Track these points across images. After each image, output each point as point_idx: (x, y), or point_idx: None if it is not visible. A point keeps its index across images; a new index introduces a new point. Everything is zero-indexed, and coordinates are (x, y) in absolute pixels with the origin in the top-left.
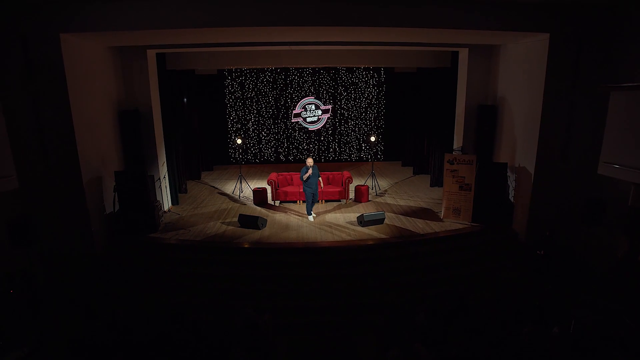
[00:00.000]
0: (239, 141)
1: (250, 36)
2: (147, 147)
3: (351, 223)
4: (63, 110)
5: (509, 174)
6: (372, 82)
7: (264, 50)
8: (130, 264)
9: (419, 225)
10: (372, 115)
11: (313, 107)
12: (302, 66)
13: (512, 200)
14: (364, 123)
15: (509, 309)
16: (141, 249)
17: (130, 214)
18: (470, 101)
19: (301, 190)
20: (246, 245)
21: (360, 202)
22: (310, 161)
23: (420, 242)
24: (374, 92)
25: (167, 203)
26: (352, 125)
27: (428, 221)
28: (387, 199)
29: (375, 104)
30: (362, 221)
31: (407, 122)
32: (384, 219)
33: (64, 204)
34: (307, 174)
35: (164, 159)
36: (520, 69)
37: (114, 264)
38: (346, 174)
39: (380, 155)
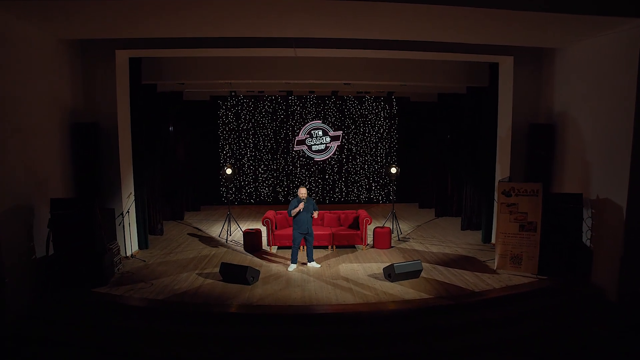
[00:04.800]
0: (229, 171)
1: (239, 16)
2: (109, 172)
3: (375, 276)
4: None
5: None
6: (384, 114)
7: (262, 57)
8: (55, 336)
9: (468, 280)
10: (383, 151)
11: (320, 132)
12: (305, 81)
13: (587, 243)
14: (374, 160)
15: None
16: (76, 310)
17: (68, 259)
18: (517, 121)
19: None
20: (228, 310)
21: (381, 248)
22: (303, 192)
23: (478, 305)
24: (386, 125)
25: (131, 246)
26: (361, 162)
27: (478, 273)
28: (414, 245)
29: (387, 138)
30: (391, 274)
31: (426, 158)
32: (421, 270)
33: None
34: (297, 209)
35: (132, 189)
36: (589, 76)
37: (34, 335)
38: (362, 213)
39: (393, 196)
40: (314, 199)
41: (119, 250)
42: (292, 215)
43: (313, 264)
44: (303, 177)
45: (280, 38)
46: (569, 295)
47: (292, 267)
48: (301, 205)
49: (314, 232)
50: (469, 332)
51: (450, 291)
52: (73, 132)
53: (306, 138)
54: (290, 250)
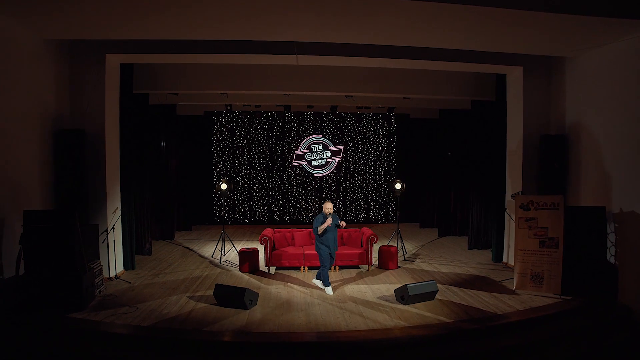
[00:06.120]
0: (224, 186)
1: (238, 16)
2: (94, 184)
3: (385, 299)
4: None
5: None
6: (382, 131)
7: (260, 67)
8: None
9: (487, 301)
10: (382, 169)
11: (320, 147)
12: (304, 92)
13: (611, 260)
14: (372, 178)
15: None
16: (48, 338)
17: (42, 279)
18: (527, 133)
19: (307, 251)
20: (224, 338)
21: (388, 269)
22: (329, 206)
23: (503, 329)
24: (384, 143)
25: (115, 266)
26: (359, 180)
27: (495, 294)
28: (422, 265)
29: (386, 156)
30: (404, 296)
31: (426, 177)
32: (437, 291)
33: None
34: (325, 225)
35: (118, 204)
36: (603, 84)
37: None
38: (367, 231)
39: (391, 216)
40: (313, 217)
41: (101, 270)
42: (319, 233)
43: (318, 282)
44: (300, 196)
45: (280, 44)
46: (596, 317)
47: (329, 290)
48: (329, 221)
49: (313, 252)
50: (497, 359)
51: (470, 314)
52: (56, 139)
53: (306, 153)
54: (294, 271)
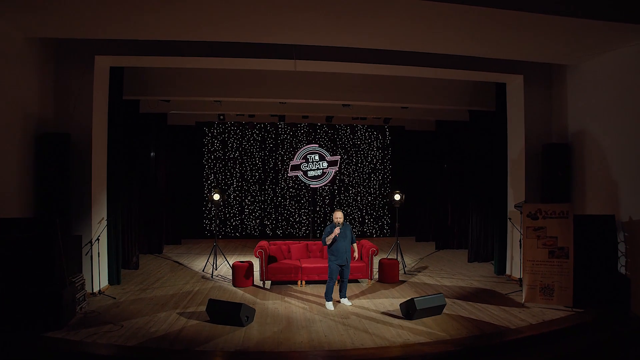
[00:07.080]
0: (217, 197)
1: (237, 16)
2: (78, 191)
3: (390, 314)
4: None
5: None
6: (377, 144)
7: (255, 73)
8: None
9: (498, 315)
10: (376, 182)
11: (317, 157)
12: (301, 100)
13: (621, 271)
14: (367, 191)
15: None
16: None
17: (16, 294)
18: (529, 143)
19: (304, 264)
20: (218, 359)
21: (389, 282)
22: (339, 215)
23: (520, 344)
24: (379, 156)
25: (99, 280)
26: (354, 193)
27: (505, 307)
28: (423, 278)
29: (381, 169)
30: (411, 310)
31: (422, 190)
32: (444, 305)
33: None
34: (333, 235)
35: (104, 215)
36: (608, 91)
37: None
38: (367, 243)
39: (386, 230)
40: (306, 231)
41: (83, 284)
42: (328, 243)
43: (345, 301)
44: (293, 209)
45: (279, 47)
46: (611, 331)
47: (330, 305)
48: (337, 231)
49: (310, 266)
50: None
51: (482, 328)
52: (39, 142)
53: (302, 163)
54: (292, 285)
